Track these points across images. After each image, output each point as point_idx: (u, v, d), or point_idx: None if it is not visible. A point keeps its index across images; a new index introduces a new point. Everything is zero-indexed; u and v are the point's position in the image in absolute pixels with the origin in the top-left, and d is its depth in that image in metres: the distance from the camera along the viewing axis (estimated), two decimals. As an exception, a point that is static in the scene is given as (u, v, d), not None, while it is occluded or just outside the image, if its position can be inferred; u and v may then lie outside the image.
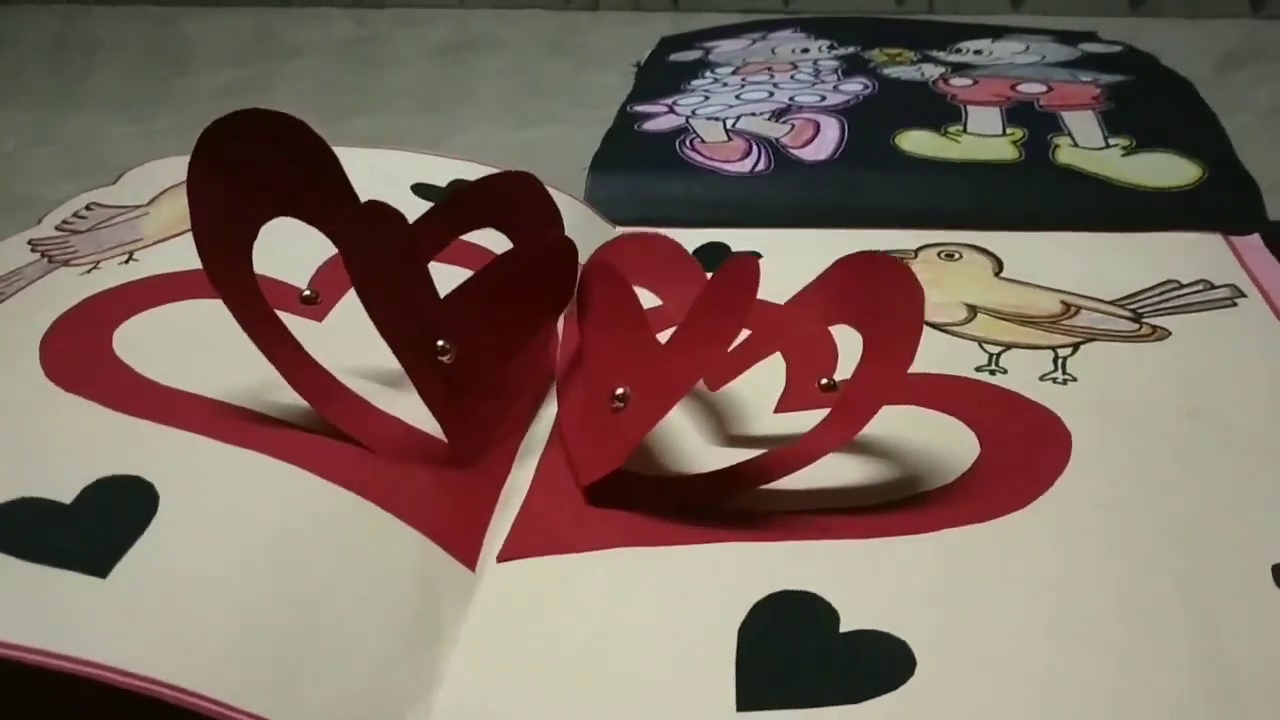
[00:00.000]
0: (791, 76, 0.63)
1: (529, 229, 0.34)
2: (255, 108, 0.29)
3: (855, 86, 0.60)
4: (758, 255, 0.39)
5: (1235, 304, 0.39)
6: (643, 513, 0.29)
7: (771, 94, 0.60)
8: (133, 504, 0.26)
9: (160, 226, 0.40)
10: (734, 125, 0.55)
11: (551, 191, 0.44)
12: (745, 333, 0.31)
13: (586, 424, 0.31)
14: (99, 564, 0.24)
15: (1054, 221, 0.46)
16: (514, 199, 0.34)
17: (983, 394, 0.34)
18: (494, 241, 0.35)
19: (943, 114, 0.56)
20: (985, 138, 0.53)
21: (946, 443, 0.32)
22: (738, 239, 0.45)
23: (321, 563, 0.26)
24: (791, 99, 0.59)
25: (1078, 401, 0.33)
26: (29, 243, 0.41)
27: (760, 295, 0.40)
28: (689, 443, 0.33)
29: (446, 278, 0.30)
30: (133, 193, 0.45)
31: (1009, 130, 0.54)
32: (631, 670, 0.25)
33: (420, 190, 0.43)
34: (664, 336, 0.32)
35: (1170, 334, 0.37)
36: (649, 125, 0.57)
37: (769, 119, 0.56)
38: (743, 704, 0.23)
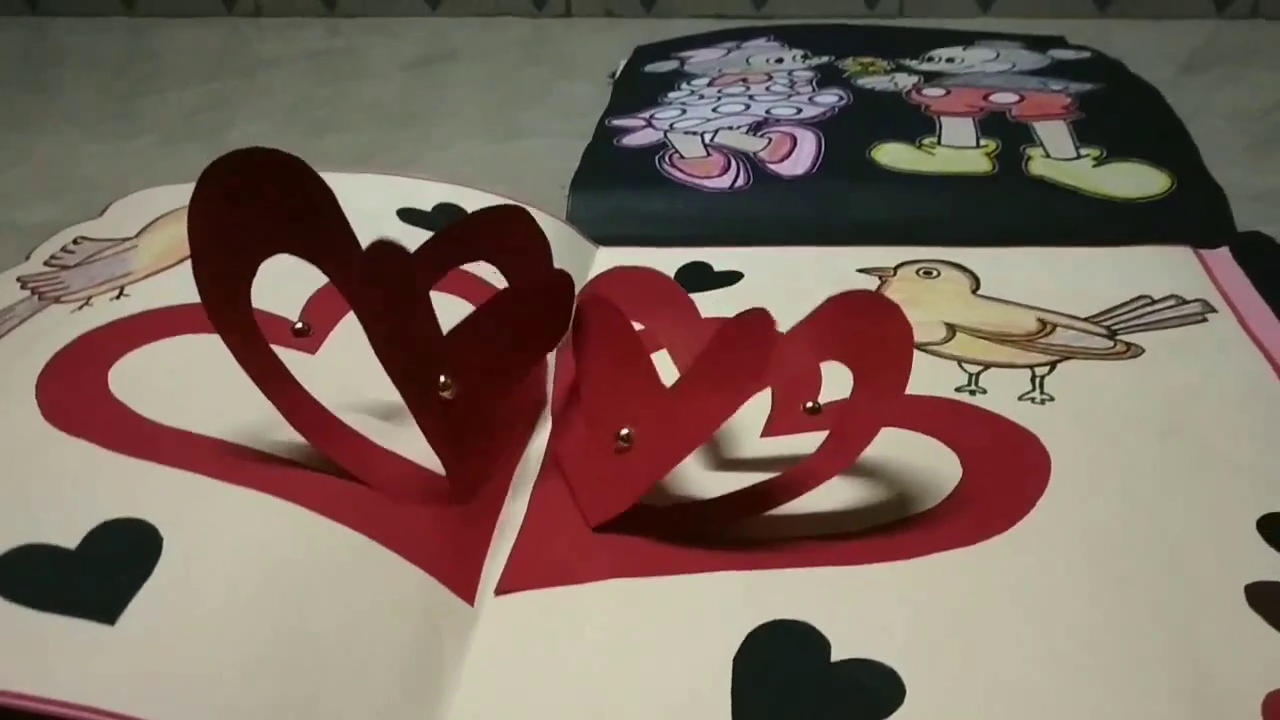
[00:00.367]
0: (767, 88, 0.64)
1: (520, 261, 0.34)
2: (254, 147, 0.30)
3: (830, 98, 0.61)
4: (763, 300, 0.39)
5: (1206, 319, 0.40)
6: (644, 538, 0.30)
7: (748, 106, 0.60)
8: (137, 548, 0.26)
9: (150, 259, 0.40)
10: (712, 140, 0.56)
11: (534, 212, 0.45)
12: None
13: (589, 462, 0.32)
14: (107, 611, 0.25)
15: (1029, 233, 0.47)
16: (506, 232, 0.34)
17: (964, 415, 0.35)
18: (484, 268, 0.36)
19: (917, 126, 0.56)
20: (959, 150, 0.54)
21: (930, 466, 0.32)
22: (719, 258, 0.46)
23: (326, 604, 0.26)
24: (768, 112, 0.59)
25: (1056, 422, 0.34)
26: (18, 280, 0.41)
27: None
28: (681, 467, 0.33)
29: (439, 306, 0.31)
30: (120, 225, 0.45)
31: (983, 142, 0.55)
32: (630, 704, 0.25)
33: (406, 216, 0.44)
34: (656, 359, 0.33)
35: (1144, 350, 0.38)
36: (627, 140, 0.57)
37: (746, 132, 0.57)
38: (739, 735, 0.24)
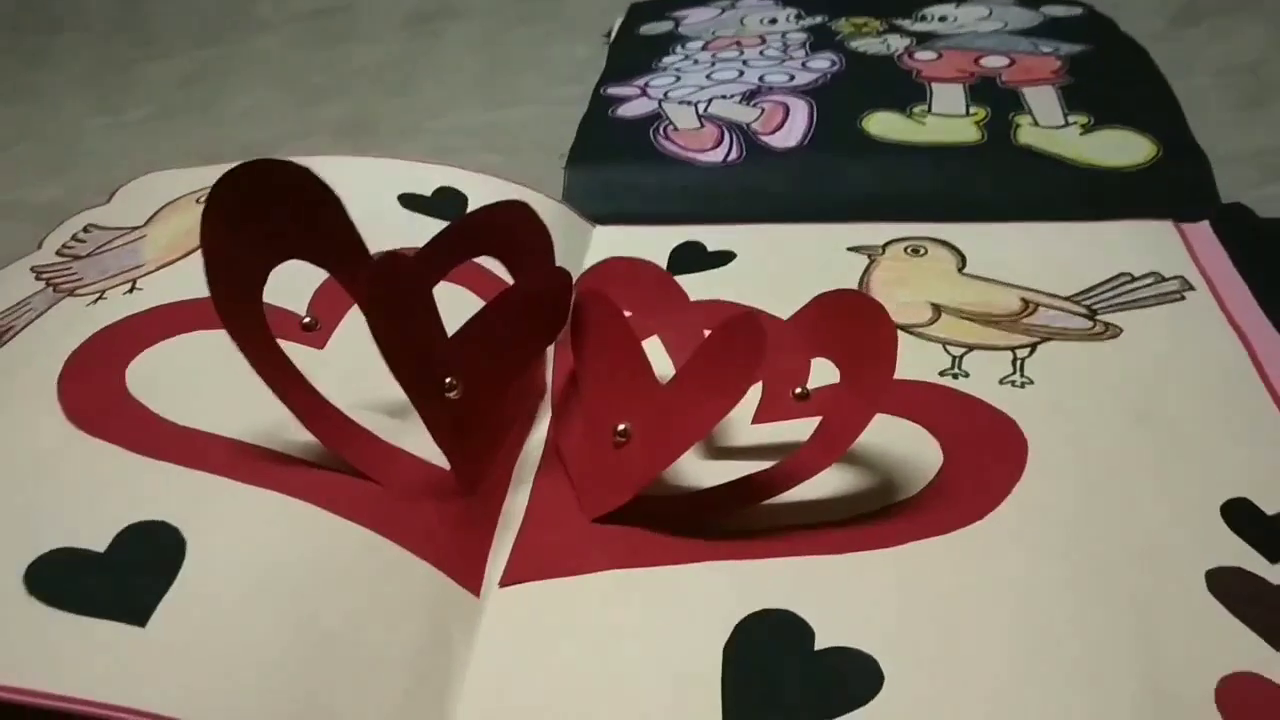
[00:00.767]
0: (760, 52, 0.64)
1: (523, 256, 0.36)
2: (264, 159, 0.31)
3: (823, 64, 0.62)
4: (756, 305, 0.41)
5: (1184, 297, 0.41)
6: (639, 529, 0.32)
7: (741, 73, 0.61)
8: (162, 550, 0.28)
9: (159, 251, 0.42)
10: (705, 110, 0.57)
11: (532, 195, 0.46)
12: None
13: (588, 456, 0.33)
14: (138, 613, 0.26)
15: (1014, 204, 0.48)
16: (509, 228, 0.35)
17: (946, 400, 0.36)
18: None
19: (908, 93, 0.57)
20: (949, 118, 0.55)
21: (912, 453, 0.34)
22: (712, 237, 0.47)
23: (342, 601, 0.28)
24: (761, 79, 0.60)
25: (1034, 406, 0.36)
26: (32, 269, 0.43)
27: (737, 299, 0.42)
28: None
29: (444, 296, 0.32)
30: (128, 212, 0.46)
31: (972, 110, 0.55)
32: (626, 695, 0.27)
33: (407, 201, 0.45)
34: (647, 345, 0.34)
35: (1122, 331, 0.39)
36: (623, 110, 0.58)
37: (739, 102, 0.58)
38: (729, 725, 0.26)
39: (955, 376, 0.38)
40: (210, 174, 0.47)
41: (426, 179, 0.46)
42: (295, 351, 0.34)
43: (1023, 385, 0.37)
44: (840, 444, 0.31)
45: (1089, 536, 0.31)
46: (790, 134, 0.54)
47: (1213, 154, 0.51)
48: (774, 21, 0.70)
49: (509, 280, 0.37)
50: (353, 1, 0.83)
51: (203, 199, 0.45)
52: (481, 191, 0.46)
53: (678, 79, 0.61)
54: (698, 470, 0.34)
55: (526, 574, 0.31)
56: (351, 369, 0.34)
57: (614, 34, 0.71)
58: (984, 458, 0.34)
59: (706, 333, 0.37)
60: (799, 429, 0.33)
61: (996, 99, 0.56)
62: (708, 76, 0.61)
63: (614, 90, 0.61)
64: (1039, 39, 0.64)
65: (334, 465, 0.32)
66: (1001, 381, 0.37)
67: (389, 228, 0.42)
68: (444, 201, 0.45)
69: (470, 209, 0.45)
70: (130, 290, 0.39)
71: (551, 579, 0.31)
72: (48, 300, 0.40)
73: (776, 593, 0.29)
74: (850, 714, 0.26)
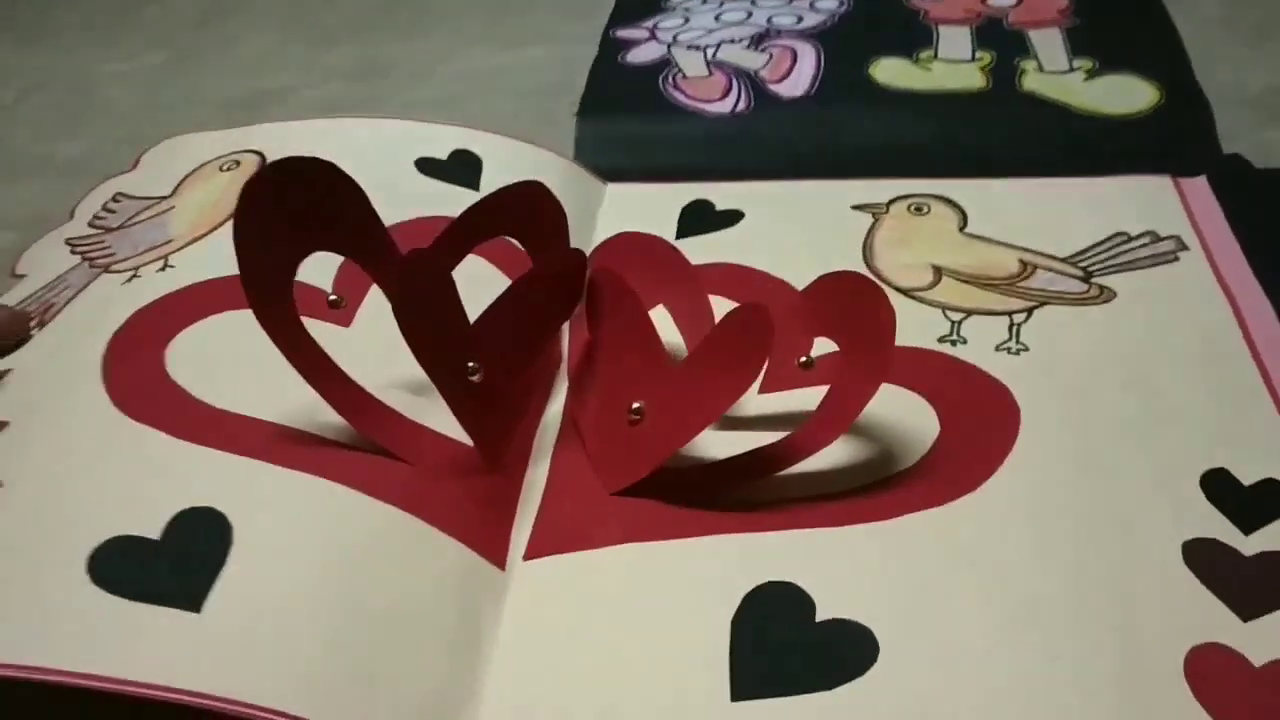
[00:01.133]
0: (769, -10, 0.64)
1: (539, 237, 0.37)
2: (291, 157, 0.32)
3: (830, 3, 0.62)
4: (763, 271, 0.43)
5: (1178, 258, 0.42)
6: (654, 500, 0.34)
7: (750, 14, 0.61)
8: (212, 536, 0.30)
9: (187, 226, 0.43)
10: (714, 56, 0.57)
11: (544, 154, 0.47)
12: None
13: (605, 432, 0.35)
14: (193, 599, 0.28)
15: (1017, 157, 0.49)
16: (525, 209, 0.37)
17: (944, 368, 0.38)
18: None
19: (915, 37, 0.58)
20: (955, 64, 0.55)
21: (910, 422, 0.36)
22: (720, 195, 0.48)
23: (379, 580, 0.30)
24: (769, 20, 0.60)
25: (1028, 373, 0.37)
26: (67, 241, 0.44)
27: (744, 261, 0.44)
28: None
29: (463, 272, 0.34)
30: (155, 180, 0.47)
31: (978, 55, 0.56)
32: (643, 665, 0.29)
33: (424, 166, 0.46)
34: (655, 315, 0.36)
35: (1115, 295, 0.41)
36: (632, 56, 0.59)
37: (747, 47, 0.58)
38: (736, 695, 0.28)
39: (954, 343, 0.39)
40: (232, 137, 0.48)
41: (442, 141, 0.47)
42: (322, 330, 0.35)
43: (1017, 352, 0.39)
44: (844, 420, 0.33)
45: (1074, 508, 0.33)
46: (798, 82, 0.55)
47: (1215, 95, 0.51)
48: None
49: (521, 248, 0.38)
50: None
51: (226, 166, 0.46)
52: (496, 153, 0.47)
53: (686, 20, 0.62)
54: (708, 440, 0.36)
55: (548, 547, 0.33)
56: (377, 347, 0.36)
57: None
58: (978, 428, 0.36)
59: (713, 301, 0.39)
60: (805, 398, 0.35)
61: (1003, 42, 0.57)
62: (716, 18, 0.61)
63: (623, 33, 0.61)
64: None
65: (363, 446, 0.34)
66: (998, 348, 0.39)
67: (407, 195, 0.44)
68: (460, 165, 0.47)
69: (485, 172, 0.46)
70: (163, 268, 0.41)
71: (573, 552, 0.33)
72: (84, 276, 0.42)
73: (780, 565, 0.32)
74: (850, 684, 0.28)
